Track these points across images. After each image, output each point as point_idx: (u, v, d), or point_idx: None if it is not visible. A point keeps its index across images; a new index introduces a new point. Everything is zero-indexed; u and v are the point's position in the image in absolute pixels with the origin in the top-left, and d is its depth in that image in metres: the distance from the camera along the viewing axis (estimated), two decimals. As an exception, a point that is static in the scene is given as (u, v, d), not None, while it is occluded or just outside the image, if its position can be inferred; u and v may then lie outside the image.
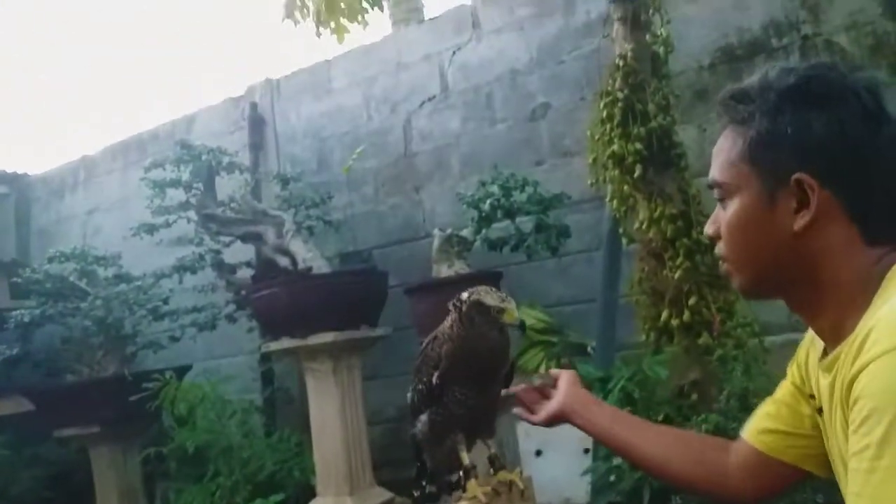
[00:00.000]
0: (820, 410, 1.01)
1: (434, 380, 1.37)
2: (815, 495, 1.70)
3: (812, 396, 1.06)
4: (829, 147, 0.88)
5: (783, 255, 0.91)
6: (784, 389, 1.14)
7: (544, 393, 1.37)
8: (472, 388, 1.36)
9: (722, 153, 0.96)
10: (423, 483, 1.59)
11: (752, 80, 0.94)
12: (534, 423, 1.37)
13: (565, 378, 1.36)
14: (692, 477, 1.22)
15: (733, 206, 0.94)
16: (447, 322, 1.36)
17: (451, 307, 1.32)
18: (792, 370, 1.13)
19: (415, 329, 3.05)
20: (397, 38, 4.17)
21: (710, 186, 0.99)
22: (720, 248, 0.99)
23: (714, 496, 1.24)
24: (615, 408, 1.34)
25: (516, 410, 1.40)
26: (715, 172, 0.97)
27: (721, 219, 0.97)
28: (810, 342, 1.09)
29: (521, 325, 1.32)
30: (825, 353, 0.95)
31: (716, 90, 3.19)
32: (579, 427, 1.30)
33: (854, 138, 0.88)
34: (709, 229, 1.02)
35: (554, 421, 1.34)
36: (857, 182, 0.88)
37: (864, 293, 0.86)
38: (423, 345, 1.45)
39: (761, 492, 1.18)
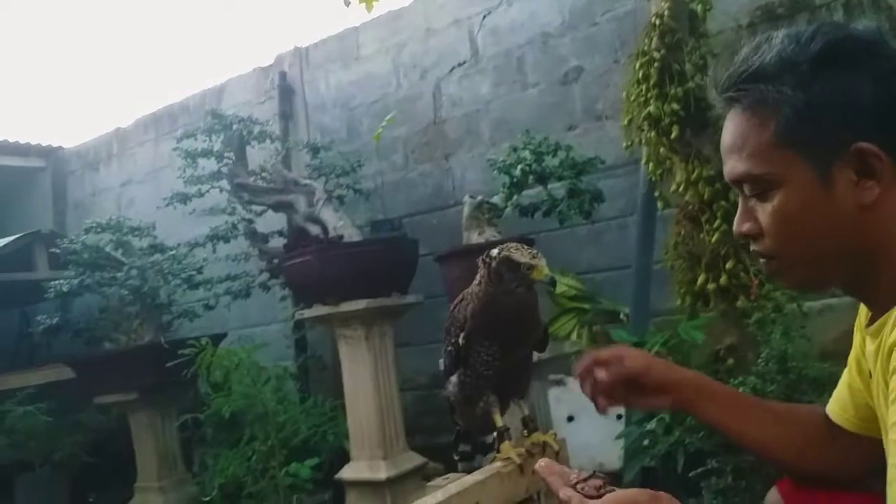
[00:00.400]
0: (870, 373, 0.97)
1: (461, 340, 1.37)
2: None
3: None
4: (882, 108, 0.81)
5: (847, 235, 0.84)
6: (852, 356, 1.08)
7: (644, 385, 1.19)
8: (498, 348, 1.35)
9: (747, 143, 0.87)
10: (459, 444, 1.60)
11: (754, 57, 0.86)
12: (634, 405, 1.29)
13: (654, 370, 1.18)
14: (796, 466, 1.15)
15: (781, 197, 0.85)
16: (476, 280, 1.35)
17: (480, 263, 1.31)
18: (856, 334, 1.07)
19: (446, 297, 3.04)
20: (426, 2, 4.10)
21: (739, 182, 0.90)
22: (764, 246, 0.90)
23: (821, 481, 1.14)
24: (723, 389, 1.23)
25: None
26: (743, 166, 0.88)
27: (761, 214, 0.88)
28: None
29: (552, 282, 1.28)
30: (872, 318, 0.90)
31: (755, 50, 3.11)
32: (694, 416, 1.24)
33: None
34: (742, 227, 0.92)
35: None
36: None
37: None
38: (452, 307, 1.45)
39: (864, 471, 1.10)
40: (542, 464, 1.03)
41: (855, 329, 1.08)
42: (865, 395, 1.03)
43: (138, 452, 3.64)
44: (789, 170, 0.84)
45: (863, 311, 1.03)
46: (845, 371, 1.11)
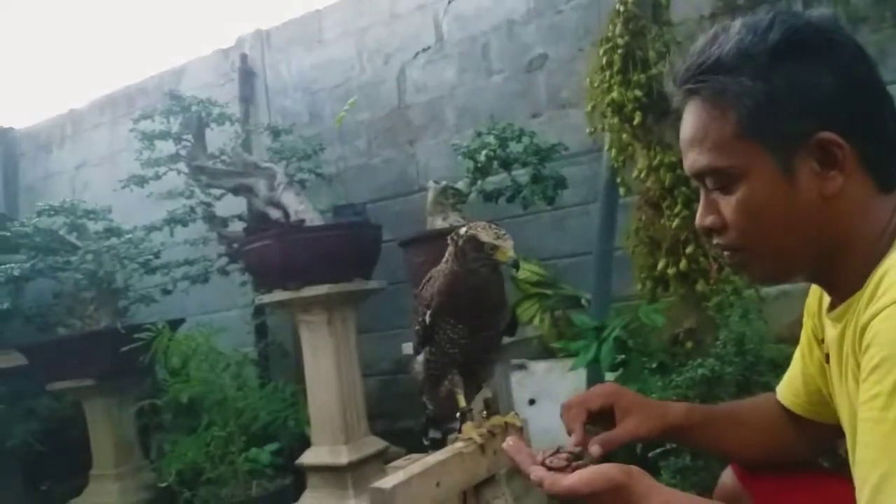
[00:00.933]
0: (827, 358, 0.98)
1: (427, 318, 1.36)
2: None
3: (822, 341, 1.04)
4: (842, 97, 0.81)
5: (812, 226, 0.84)
6: (804, 338, 1.10)
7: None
8: (463, 327, 1.35)
9: (708, 136, 0.86)
10: (429, 430, 1.60)
11: (712, 48, 0.85)
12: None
13: (621, 400, 1.16)
14: (765, 458, 1.16)
15: (744, 189, 0.85)
16: (444, 258, 1.34)
17: (448, 240, 1.31)
18: (806, 316, 1.09)
19: (410, 283, 3.03)
20: (391, -13, 4.07)
21: (701, 175, 0.89)
22: (729, 239, 0.90)
23: (769, 463, 1.17)
24: (686, 408, 1.19)
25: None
26: (705, 159, 0.87)
27: (724, 207, 0.88)
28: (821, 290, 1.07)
29: (515, 264, 1.28)
30: (833, 304, 0.91)
31: (716, 40, 3.16)
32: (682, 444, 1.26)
33: (861, 82, 0.82)
34: (706, 221, 0.91)
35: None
36: (872, 129, 0.82)
37: (883, 244, 0.82)
38: (421, 286, 1.44)
39: (817, 445, 1.15)
40: (509, 442, 1.03)
41: (805, 316, 1.09)
42: (819, 380, 1.04)
43: (93, 440, 3.56)
44: (751, 162, 0.83)
45: (814, 297, 1.05)
46: (796, 357, 1.13)
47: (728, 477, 1.20)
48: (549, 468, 0.95)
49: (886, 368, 0.71)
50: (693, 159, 0.89)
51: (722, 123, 0.84)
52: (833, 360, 0.92)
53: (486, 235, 1.25)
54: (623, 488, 0.87)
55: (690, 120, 0.88)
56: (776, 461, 1.14)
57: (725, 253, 0.92)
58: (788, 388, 1.14)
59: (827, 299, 0.96)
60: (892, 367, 0.70)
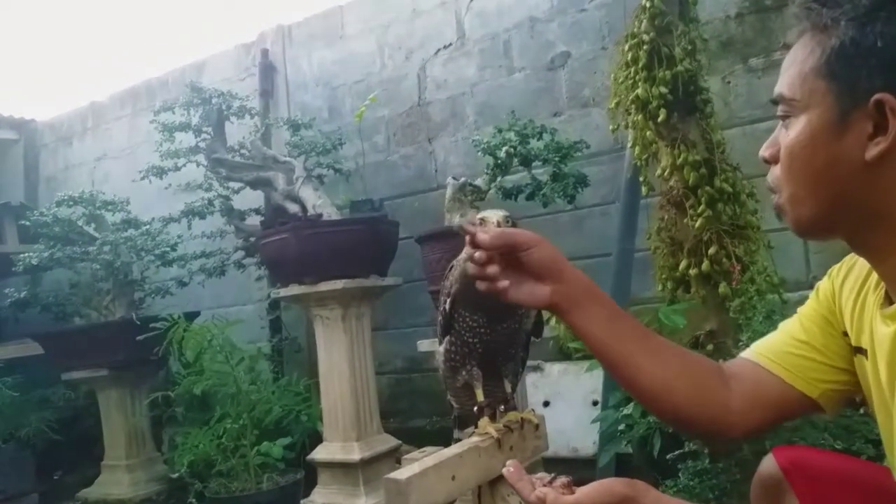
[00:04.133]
0: (857, 350, 0.95)
1: (446, 306, 1.34)
2: (833, 441, 1.66)
3: (846, 334, 1.00)
4: None
5: (849, 188, 0.82)
6: (809, 315, 1.06)
7: (527, 264, 1.01)
8: (481, 316, 1.31)
9: (794, 64, 0.86)
10: (455, 430, 1.57)
11: None
12: (508, 298, 1.02)
13: (540, 256, 1.00)
14: (692, 409, 1.03)
15: (798, 125, 0.84)
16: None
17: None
18: (818, 297, 1.06)
19: (426, 280, 3.01)
20: (413, -17, 4.05)
21: (775, 102, 0.89)
22: (773, 177, 0.90)
23: (709, 433, 1.10)
24: (613, 304, 1.05)
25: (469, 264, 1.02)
26: (782, 86, 0.87)
27: (781, 140, 0.87)
28: (846, 272, 1.02)
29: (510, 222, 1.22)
30: (889, 299, 0.88)
31: (742, 41, 3.11)
32: (570, 326, 1.04)
33: None
34: (764, 152, 0.91)
35: (537, 306, 1.06)
36: None
37: None
38: (444, 275, 1.41)
39: (763, 425, 1.06)
40: (510, 469, 1.00)
41: (814, 299, 1.06)
42: (833, 357, 1.01)
43: (106, 430, 3.57)
44: (815, 100, 0.83)
45: (829, 284, 1.03)
46: (791, 325, 1.08)
47: (769, 465, 1.14)
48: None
49: None
50: (777, 86, 0.89)
51: (809, 56, 0.84)
52: (882, 360, 0.87)
53: (492, 218, 1.19)
54: (628, 502, 0.85)
55: (793, 48, 0.89)
56: (706, 422, 1.04)
57: (772, 195, 0.92)
58: (768, 349, 1.07)
59: (871, 295, 0.93)
60: None
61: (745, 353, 1.11)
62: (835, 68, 0.81)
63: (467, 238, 1.01)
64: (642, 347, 1.03)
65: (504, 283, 1.00)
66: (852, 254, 1.00)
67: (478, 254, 0.99)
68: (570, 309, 1.02)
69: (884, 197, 0.81)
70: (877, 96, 0.78)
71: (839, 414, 1.75)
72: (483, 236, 0.99)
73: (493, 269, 0.99)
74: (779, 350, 1.06)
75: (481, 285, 1.02)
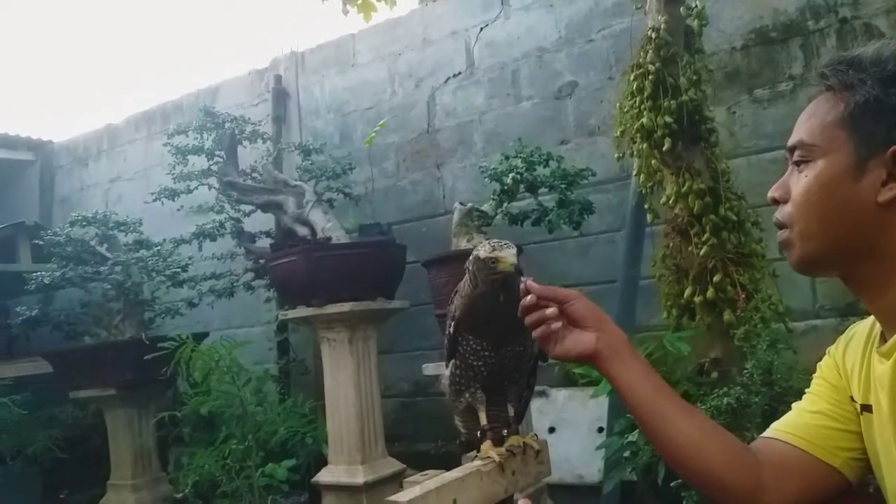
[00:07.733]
0: (864, 408, 0.97)
1: (451, 329, 1.36)
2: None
3: (853, 399, 1.02)
4: None
5: (859, 227, 0.89)
6: (817, 389, 1.08)
7: (570, 314, 1.09)
8: (486, 340, 1.33)
9: (815, 116, 0.94)
10: (462, 458, 1.58)
11: (865, 49, 0.93)
12: (552, 356, 1.11)
13: (585, 305, 1.09)
14: (724, 474, 1.03)
15: (816, 168, 0.92)
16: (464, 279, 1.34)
17: (466, 267, 1.30)
18: (822, 372, 1.09)
19: (432, 303, 3.03)
20: (424, 13, 4.13)
21: (791, 149, 0.96)
22: (784, 214, 0.96)
23: (741, 501, 1.05)
24: (650, 366, 1.09)
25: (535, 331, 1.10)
26: (802, 134, 0.94)
27: (793, 183, 0.95)
28: (845, 344, 1.06)
29: (518, 271, 1.23)
30: (883, 338, 0.92)
31: (747, 72, 3.15)
32: (609, 376, 1.08)
33: None
34: (773, 193, 0.98)
35: (580, 360, 1.10)
36: None
37: None
38: (449, 299, 1.43)
39: (795, 500, 1.03)
40: None
41: (830, 361, 1.08)
42: (846, 422, 1.02)
43: (113, 449, 3.58)
44: (835, 147, 0.90)
45: (839, 351, 1.05)
46: (802, 402, 1.10)
47: None
48: None
49: None
50: (794, 133, 0.96)
51: (832, 109, 0.92)
52: (884, 396, 0.90)
53: (483, 251, 1.23)
54: None
55: (812, 104, 0.96)
56: (723, 484, 1.04)
57: (778, 231, 0.98)
58: (792, 427, 1.08)
59: (859, 351, 0.97)
60: None
61: (765, 434, 1.12)
62: (857, 121, 0.89)
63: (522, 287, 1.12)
64: (676, 405, 1.06)
65: (558, 324, 1.07)
66: (849, 328, 1.06)
67: (529, 298, 1.10)
68: (612, 357, 1.07)
69: (888, 236, 0.88)
70: (894, 147, 0.86)
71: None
72: (534, 285, 1.10)
73: (551, 311, 1.07)
74: (796, 423, 1.08)
75: (537, 332, 1.10)
